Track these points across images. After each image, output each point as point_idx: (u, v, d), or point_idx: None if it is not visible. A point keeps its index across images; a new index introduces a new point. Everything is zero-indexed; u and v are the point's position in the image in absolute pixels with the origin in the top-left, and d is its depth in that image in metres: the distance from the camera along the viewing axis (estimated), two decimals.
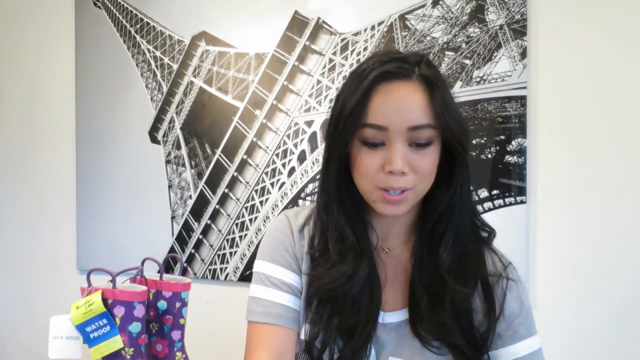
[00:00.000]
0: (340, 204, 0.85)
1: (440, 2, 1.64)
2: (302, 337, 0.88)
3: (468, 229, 0.86)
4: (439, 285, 0.82)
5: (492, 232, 0.91)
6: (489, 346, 0.83)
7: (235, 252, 1.95)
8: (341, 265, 0.83)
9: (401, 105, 0.77)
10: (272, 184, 1.88)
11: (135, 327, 0.96)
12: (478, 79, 1.58)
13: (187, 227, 2.03)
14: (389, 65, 0.79)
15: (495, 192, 1.56)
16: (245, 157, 1.92)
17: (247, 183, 1.92)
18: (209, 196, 1.99)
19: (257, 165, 1.90)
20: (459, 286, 0.81)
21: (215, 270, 1.98)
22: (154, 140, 2.10)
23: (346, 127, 0.79)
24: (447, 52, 1.63)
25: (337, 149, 0.81)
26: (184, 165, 2.04)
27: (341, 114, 0.80)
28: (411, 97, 0.77)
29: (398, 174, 0.77)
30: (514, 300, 0.86)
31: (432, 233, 0.85)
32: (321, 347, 0.83)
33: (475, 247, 0.86)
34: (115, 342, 0.95)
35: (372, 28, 1.73)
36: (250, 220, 1.93)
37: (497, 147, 1.56)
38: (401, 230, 0.89)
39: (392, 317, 0.86)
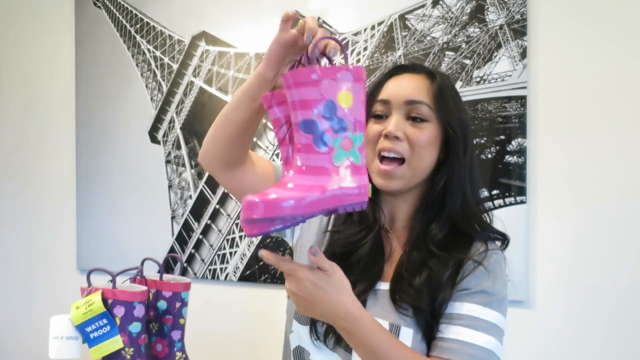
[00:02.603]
0: None
1: (440, 2, 1.64)
2: None
3: (462, 219, 0.94)
4: (422, 261, 0.91)
5: (504, 239, 0.98)
6: (441, 315, 0.89)
7: (235, 252, 1.95)
8: (356, 226, 0.97)
9: (403, 84, 0.94)
10: None
11: (135, 327, 0.96)
12: (478, 79, 1.59)
13: (187, 227, 2.03)
14: (407, 63, 1.02)
15: (495, 192, 1.56)
16: None
17: None
18: (209, 196, 1.99)
19: None
20: (440, 264, 0.90)
21: (215, 270, 1.98)
22: (154, 140, 2.10)
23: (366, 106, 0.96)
24: (447, 52, 1.63)
25: None
26: (184, 165, 2.04)
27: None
28: (413, 80, 0.94)
29: (392, 137, 0.90)
30: (474, 279, 0.90)
31: (426, 215, 0.95)
32: None
33: (465, 240, 0.93)
34: (115, 342, 0.95)
35: (372, 28, 1.73)
36: None
37: (497, 147, 1.56)
38: (405, 215, 0.98)
39: (384, 286, 0.95)
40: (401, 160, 0.91)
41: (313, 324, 0.94)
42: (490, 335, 0.86)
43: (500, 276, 0.91)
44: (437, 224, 0.94)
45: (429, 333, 0.89)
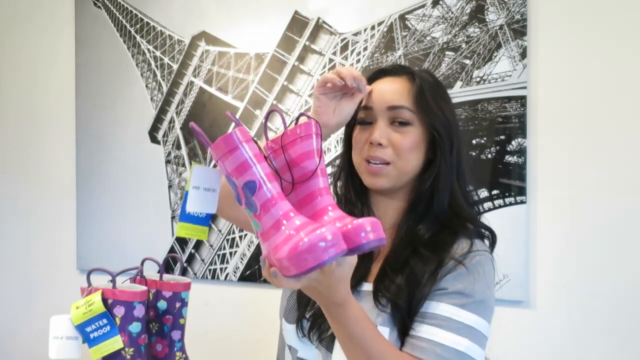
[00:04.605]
0: (352, 180, 1.01)
1: (440, 2, 1.64)
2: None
3: (450, 217, 0.94)
4: (406, 260, 0.92)
5: (492, 235, 0.97)
6: (417, 313, 0.89)
7: (235, 252, 1.95)
8: None
9: (384, 89, 0.95)
10: None
11: (135, 327, 0.96)
12: (478, 79, 1.59)
13: None
14: (388, 66, 1.00)
15: (495, 192, 1.56)
16: None
17: None
18: None
19: None
20: (421, 263, 0.90)
21: (215, 270, 1.98)
22: (154, 140, 2.10)
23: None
24: (447, 52, 1.63)
25: (347, 132, 1.01)
26: (184, 165, 2.04)
27: None
28: (394, 84, 0.95)
29: (376, 145, 0.92)
30: (452, 279, 0.89)
31: (414, 214, 0.96)
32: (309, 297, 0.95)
33: (450, 237, 0.93)
34: (115, 342, 0.95)
35: (372, 28, 1.73)
36: None
37: (497, 147, 1.56)
38: (395, 214, 0.99)
39: (367, 286, 0.95)
40: (388, 164, 0.93)
41: (299, 321, 0.95)
42: (463, 336, 0.85)
43: (482, 278, 0.89)
44: (425, 223, 0.94)
45: (404, 332, 0.89)
